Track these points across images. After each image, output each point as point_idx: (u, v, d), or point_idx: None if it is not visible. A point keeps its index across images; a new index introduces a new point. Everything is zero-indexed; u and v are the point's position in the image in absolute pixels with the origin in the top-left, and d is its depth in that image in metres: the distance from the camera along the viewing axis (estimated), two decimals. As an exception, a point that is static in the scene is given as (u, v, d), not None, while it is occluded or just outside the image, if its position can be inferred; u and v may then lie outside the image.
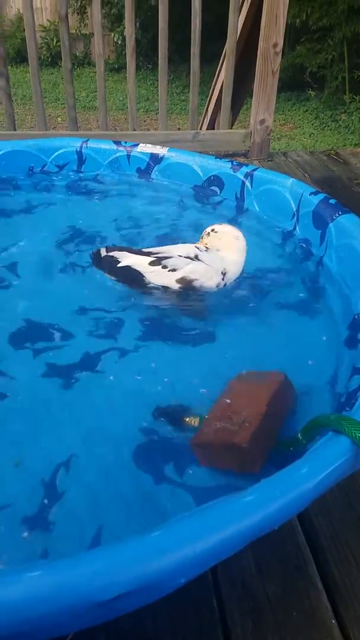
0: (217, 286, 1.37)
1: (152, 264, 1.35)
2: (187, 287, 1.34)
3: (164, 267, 1.34)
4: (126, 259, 1.38)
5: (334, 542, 0.92)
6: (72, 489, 0.89)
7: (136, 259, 1.37)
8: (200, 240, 1.43)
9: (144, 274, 1.35)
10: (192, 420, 0.98)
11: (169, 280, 1.34)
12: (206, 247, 1.41)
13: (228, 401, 0.98)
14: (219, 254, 1.39)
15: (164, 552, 0.56)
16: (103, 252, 1.42)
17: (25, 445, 0.97)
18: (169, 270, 1.34)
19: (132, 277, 1.37)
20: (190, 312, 1.35)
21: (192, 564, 0.57)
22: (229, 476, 0.90)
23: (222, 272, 1.37)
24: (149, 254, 1.39)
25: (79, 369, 1.15)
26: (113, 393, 1.09)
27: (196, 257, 1.36)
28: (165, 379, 1.12)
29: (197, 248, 1.40)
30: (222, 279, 1.37)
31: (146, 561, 0.55)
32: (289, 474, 0.68)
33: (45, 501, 0.86)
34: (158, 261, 1.35)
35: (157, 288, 1.35)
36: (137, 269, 1.35)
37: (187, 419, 0.99)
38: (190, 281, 1.34)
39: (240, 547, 0.63)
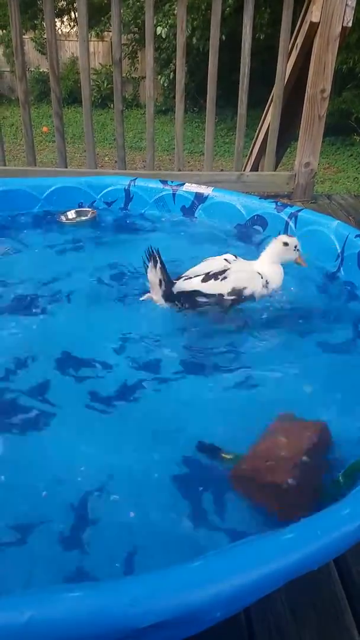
0: (263, 292, 1.47)
1: (203, 280, 1.44)
2: (239, 296, 1.44)
3: (216, 278, 1.44)
4: (178, 285, 1.45)
5: (372, 591, 0.88)
6: (107, 514, 0.89)
7: (187, 283, 1.45)
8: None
9: (200, 290, 1.43)
10: (229, 456, 0.98)
11: (223, 288, 1.43)
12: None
13: (269, 440, 0.98)
14: (251, 263, 1.51)
15: (204, 583, 0.56)
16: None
17: (63, 469, 0.98)
18: (220, 280, 1.44)
19: (188, 299, 1.44)
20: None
21: (229, 597, 0.57)
22: (267, 514, 0.89)
23: (265, 282, 1.47)
24: (186, 277, 1.47)
25: (119, 398, 1.16)
26: (151, 423, 1.10)
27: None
28: (204, 414, 1.12)
29: (226, 260, 1.50)
30: (266, 287, 1.47)
31: (185, 590, 0.55)
32: (331, 514, 0.67)
33: (80, 527, 0.87)
34: (207, 277, 1.44)
35: (210, 303, 1.43)
36: (193, 288, 1.43)
37: (225, 455, 0.99)
38: (241, 290, 1.44)
39: (277, 585, 0.62)
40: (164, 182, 2.29)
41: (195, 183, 2.29)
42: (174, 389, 1.20)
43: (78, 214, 2.19)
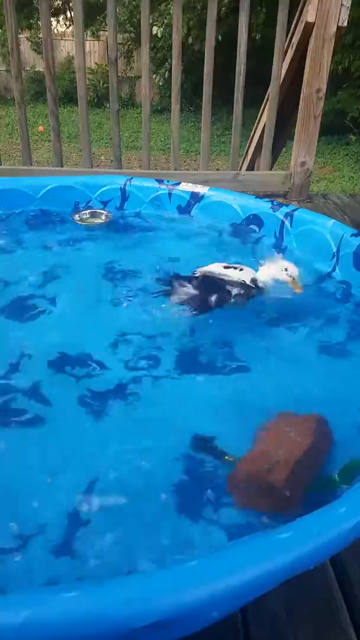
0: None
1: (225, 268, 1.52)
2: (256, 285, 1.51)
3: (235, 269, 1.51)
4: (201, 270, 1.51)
5: (368, 589, 0.89)
6: (102, 515, 0.89)
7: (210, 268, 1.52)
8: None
9: (222, 275, 1.49)
10: (228, 457, 0.98)
11: (246, 276, 1.49)
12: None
13: (265, 441, 0.98)
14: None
15: (201, 582, 0.56)
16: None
17: (58, 471, 0.98)
18: (239, 270, 1.51)
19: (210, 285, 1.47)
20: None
21: (226, 597, 0.57)
22: (264, 515, 0.89)
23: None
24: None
25: (115, 397, 1.16)
26: (147, 422, 1.10)
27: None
28: (201, 412, 1.12)
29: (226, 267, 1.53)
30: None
31: (182, 590, 0.55)
32: (327, 513, 0.67)
33: (77, 531, 0.86)
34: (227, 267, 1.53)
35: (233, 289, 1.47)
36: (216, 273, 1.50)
37: (222, 455, 0.99)
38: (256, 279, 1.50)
39: (274, 584, 0.62)
40: (160, 181, 2.28)
41: (191, 182, 2.29)
42: (170, 388, 1.20)
43: (92, 215, 2.19)
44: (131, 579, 0.59)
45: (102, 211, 2.21)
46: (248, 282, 1.48)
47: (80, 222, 2.16)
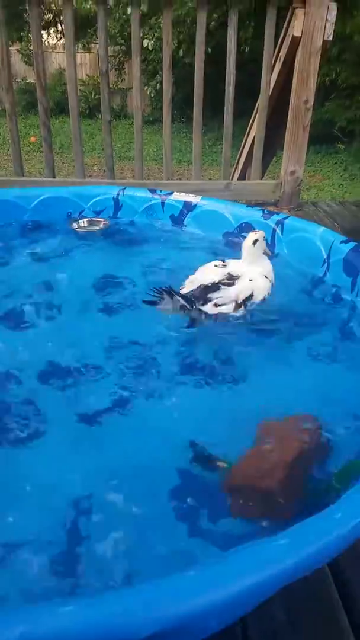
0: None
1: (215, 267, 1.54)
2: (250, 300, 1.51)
3: (224, 266, 1.54)
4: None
5: (366, 594, 0.89)
6: (99, 525, 0.88)
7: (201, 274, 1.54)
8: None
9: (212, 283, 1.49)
10: (222, 463, 0.98)
11: (238, 295, 1.49)
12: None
13: (259, 446, 0.98)
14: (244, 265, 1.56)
15: (199, 592, 0.56)
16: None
17: (52, 482, 0.97)
18: (228, 274, 1.51)
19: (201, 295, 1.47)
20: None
21: (225, 606, 0.57)
22: (260, 521, 0.89)
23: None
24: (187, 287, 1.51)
25: (109, 407, 1.16)
26: (142, 432, 1.10)
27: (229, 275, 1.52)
28: (195, 420, 1.12)
29: (216, 266, 1.56)
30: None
31: (181, 600, 0.55)
32: (323, 518, 0.67)
33: (74, 542, 0.86)
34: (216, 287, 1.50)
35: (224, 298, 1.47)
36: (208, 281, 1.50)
37: (217, 462, 0.98)
38: (253, 295, 1.50)
39: (272, 591, 0.62)
40: (153, 191, 2.29)
41: (183, 192, 2.30)
42: (164, 397, 1.20)
43: (90, 223, 2.21)
44: (128, 590, 0.59)
45: (100, 219, 2.23)
46: (238, 290, 1.49)
47: (79, 230, 2.17)
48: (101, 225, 2.20)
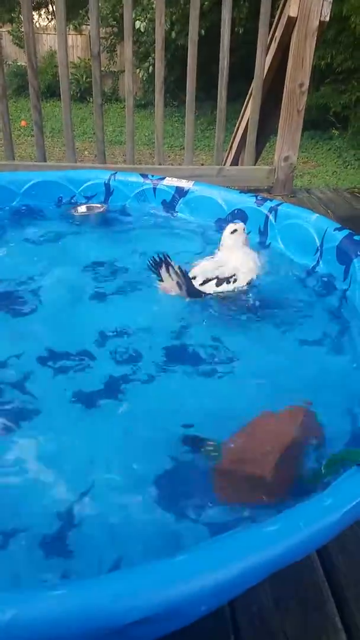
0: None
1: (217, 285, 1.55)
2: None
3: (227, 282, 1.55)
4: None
5: (354, 580, 0.90)
6: (88, 512, 0.88)
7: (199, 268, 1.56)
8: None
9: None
10: (213, 449, 0.98)
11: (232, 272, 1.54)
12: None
13: (251, 432, 0.98)
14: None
15: (188, 577, 0.56)
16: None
17: (44, 468, 0.97)
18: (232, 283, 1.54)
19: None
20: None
21: (214, 591, 0.57)
22: (250, 507, 0.89)
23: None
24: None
25: (100, 394, 1.15)
26: (133, 419, 1.10)
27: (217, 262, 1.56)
28: (187, 407, 1.12)
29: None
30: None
31: (169, 585, 0.55)
32: (314, 505, 0.68)
33: (63, 527, 0.86)
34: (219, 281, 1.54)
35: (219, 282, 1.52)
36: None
37: (208, 448, 0.99)
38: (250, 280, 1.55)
39: (262, 577, 0.62)
40: (145, 176, 2.27)
41: (175, 177, 2.28)
42: (159, 382, 1.20)
43: (88, 209, 2.22)
44: (118, 575, 0.59)
45: (98, 205, 2.24)
46: (235, 277, 1.50)
47: (77, 215, 2.18)
48: (99, 210, 2.20)
